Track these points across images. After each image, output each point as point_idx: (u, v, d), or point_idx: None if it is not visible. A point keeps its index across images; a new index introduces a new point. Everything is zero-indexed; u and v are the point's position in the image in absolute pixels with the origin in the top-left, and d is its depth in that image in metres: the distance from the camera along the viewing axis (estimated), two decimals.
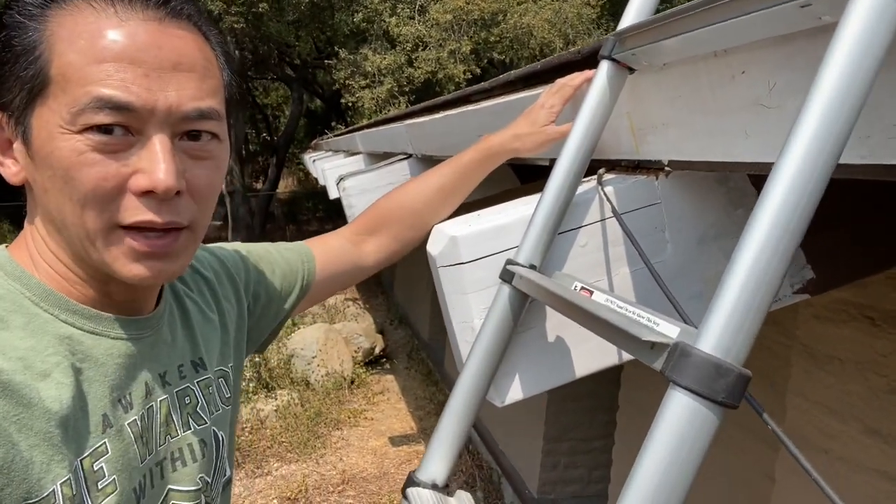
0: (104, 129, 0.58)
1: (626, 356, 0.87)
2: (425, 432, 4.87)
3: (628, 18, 0.80)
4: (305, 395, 5.27)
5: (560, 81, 1.00)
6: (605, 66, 0.81)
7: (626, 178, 0.88)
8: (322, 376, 5.53)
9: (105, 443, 0.63)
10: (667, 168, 0.85)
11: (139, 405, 0.69)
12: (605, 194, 0.85)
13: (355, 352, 5.97)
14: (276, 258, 1.01)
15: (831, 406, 1.50)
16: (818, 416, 1.52)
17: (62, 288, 0.65)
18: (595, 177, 0.90)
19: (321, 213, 15.87)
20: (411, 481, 0.81)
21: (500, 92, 1.53)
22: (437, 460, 0.82)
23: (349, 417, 5.07)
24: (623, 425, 2.89)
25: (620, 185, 0.86)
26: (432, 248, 0.89)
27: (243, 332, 0.93)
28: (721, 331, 0.46)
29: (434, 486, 0.80)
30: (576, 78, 0.97)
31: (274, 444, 4.62)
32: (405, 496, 0.79)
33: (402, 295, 7.72)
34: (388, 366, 6.21)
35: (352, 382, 5.62)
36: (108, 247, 0.61)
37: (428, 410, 5.24)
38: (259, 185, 16.42)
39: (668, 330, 0.53)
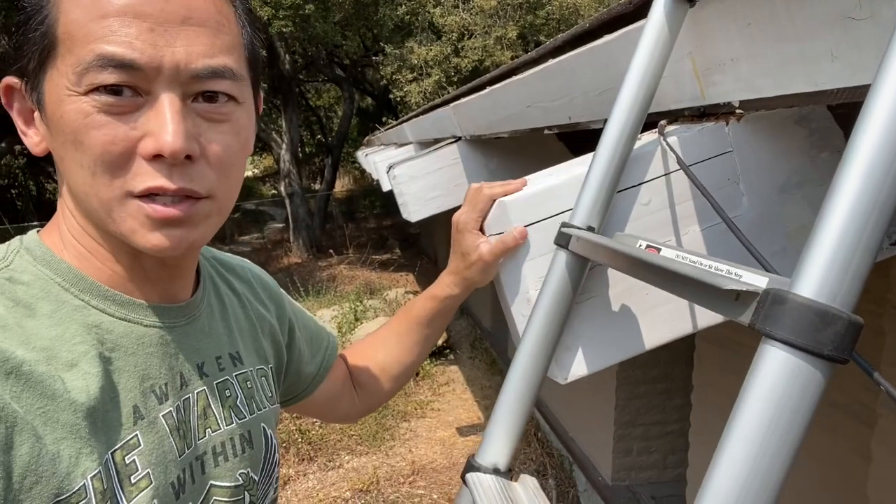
0: (111, 89, 0.54)
1: (703, 322, 0.79)
2: None
3: None
4: None
5: (473, 187, 0.84)
6: (660, 0, 0.72)
7: (691, 126, 0.79)
8: None
9: (137, 435, 0.60)
10: (738, 111, 0.76)
11: (174, 396, 0.66)
12: (668, 145, 0.76)
13: None
14: (307, 319, 1.00)
15: None
16: None
17: (92, 268, 0.63)
18: (655, 130, 0.82)
19: (378, 209, 16.02)
20: (471, 466, 0.75)
21: (549, 59, 1.44)
22: (498, 444, 0.76)
23: (416, 409, 5.08)
24: (699, 407, 2.75)
25: (685, 135, 0.78)
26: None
27: (281, 350, 0.89)
28: (824, 272, 0.38)
29: (496, 471, 0.75)
30: (495, 187, 0.81)
31: (344, 437, 4.67)
32: (465, 482, 0.74)
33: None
34: (451, 357, 6.19)
35: (417, 374, 5.62)
36: (124, 217, 0.58)
37: (493, 400, 5.14)
38: (317, 186, 16.71)
39: (755, 280, 0.45)
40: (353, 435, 4.69)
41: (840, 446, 1.76)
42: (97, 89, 0.54)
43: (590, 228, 0.73)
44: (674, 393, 3.48)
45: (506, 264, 0.80)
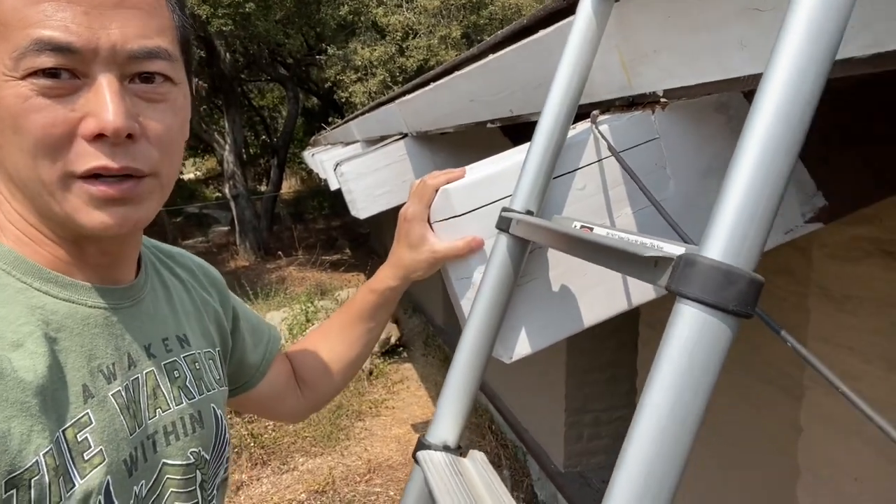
0: (49, 72, 0.55)
1: (636, 300, 0.84)
2: None
3: None
4: None
5: (417, 182, 0.86)
6: None
7: (620, 115, 0.84)
8: None
9: (88, 413, 0.61)
10: (662, 99, 0.81)
11: (122, 376, 0.66)
12: (599, 133, 0.81)
13: None
14: (248, 311, 1.00)
15: (854, 346, 1.46)
16: (842, 357, 1.48)
17: (33, 252, 0.63)
18: (588, 120, 0.86)
19: (326, 210, 15.86)
20: (422, 445, 0.78)
21: (490, 55, 1.48)
22: (447, 422, 0.79)
23: (370, 408, 5.07)
24: None
25: (615, 123, 0.83)
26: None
27: (226, 335, 0.90)
28: (727, 235, 0.42)
29: (446, 448, 0.78)
30: (438, 176, 0.84)
31: (298, 439, 4.63)
32: (416, 460, 0.77)
33: (414, 284, 7.70)
34: (405, 354, 6.20)
35: (370, 373, 5.62)
36: (67, 197, 0.58)
37: None
38: (263, 188, 16.42)
39: (673, 249, 0.49)
40: (307, 437, 4.65)
41: (772, 420, 1.86)
42: (35, 73, 0.55)
43: (529, 212, 0.77)
44: (621, 379, 3.59)
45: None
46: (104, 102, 0.56)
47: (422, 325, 6.92)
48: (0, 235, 0.63)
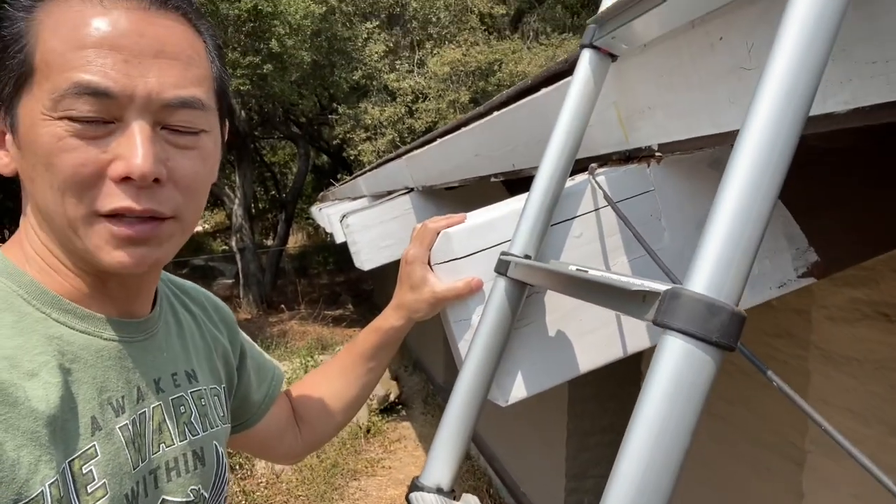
0: (85, 115, 0.58)
1: (631, 347, 0.85)
2: None
3: (607, 1, 0.81)
4: None
5: (419, 225, 0.89)
6: (586, 54, 0.81)
7: (617, 168, 0.87)
8: None
9: (94, 445, 0.62)
10: (657, 154, 0.84)
11: (131, 409, 0.67)
12: (596, 183, 0.84)
13: (370, 400, 5.89)
14: (255, 349, 1.02)
15: (854, 409, 1.44)
16: (842, 420, 1.47)
17: (54, 282, 0.65)
18: (586, 172, 0.90)
19: (331, 265, 15.93)
20: (415, 487, 0.78)
21: (494, 112, 1.54)
22: (441, 465, 0.79)
23: (366, 467, 4.96)
24: None
25: (612, 175, 0.86)
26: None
27: (232, 372, 0.91)
28: (710, 271, 0.44)
29: (439, 490, 0.77)
30: (439, 221, 0.86)
31: (290, 497, 4.51)
32: (409, 502, 0.76)
33: (415, 340, 7.66)
34: (403, 413, 6.11)
35: (368, 431, 5.52)
36: (90, 235, 0.61)
37: None
38: (269, 242, 16.57)
39: (660, 286, 0.51)
40: (300, 496, 4.54)
41: (773, 485, 1.83)
42: (71, 116, 0.58)
43: (527, 257, 0.79)
44: None
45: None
46: (134, 147, 0.59)
47: (422, 382, 6.84)
48: (25, 264, 0.65)
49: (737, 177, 0.45)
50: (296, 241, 19.33)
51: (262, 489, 4.58)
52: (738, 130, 0.67)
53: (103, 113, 0.59)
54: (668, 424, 0.42)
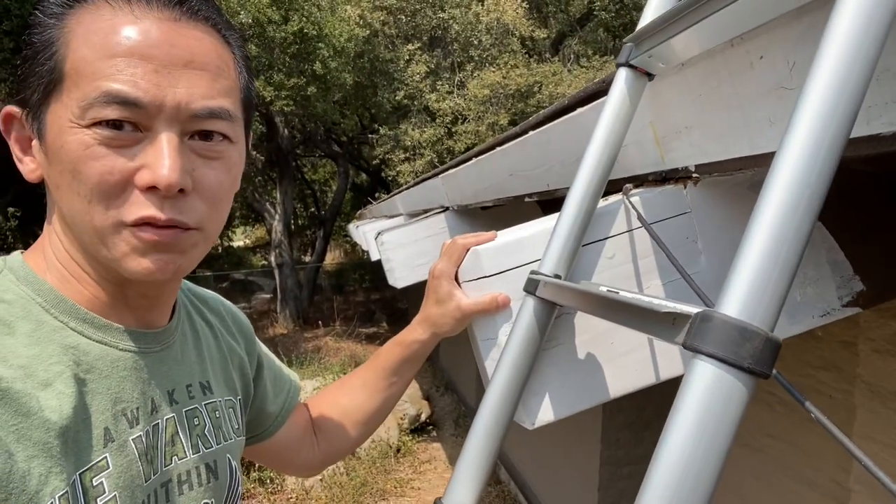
0: (112, 124, 0.58)
1: (664, 374, 0.82)
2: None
3: (644, 21, 0.80)
4: (351, 463, 5.16)
5: (449, 242, 0.89)
6: (622, 73, 0.80)
7: (653, 188, 0.86)
8: (368, 444, 5.42)
9: (106, 457, 0.61)
10: (694, 175, 0.82)
11: (145, 421, 0.67)
12: (630, 204, 0.82)
13: (401, 419, 5.86)
14: (272, 360, 1.01)
15: None
16: (888, 458, 1.39)
17: (74, 291, 0.65)
18: (621, 192, 0.88)
19: (367, 283, 16.04)
20: None
21: (530, 132, 1.53)
22: (465, 485, 0.77)
23: (395, 487, 4.93)
24: None
25: (647, 196, 0.84)
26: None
27: (248, 384, 0.91)
28: (744, 294, 0.42)
29: None
30: (469, 238, 0.87)
31: None
32: None
33: (447, 361, 7.63)
34: (434, 433, 6.06)
35: (398, 451, 5.49)
36: (116, 244, 0.61)
37: None
38: (307, 258, 16.79)
39: (692, 308, 0.49)
40: None
41: None
42: (99, 123, 0.58)
43: (557, 276, 0.77)
44: None
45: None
46: (162, 157, 0.59)
47: (454, 403, 6.79)
48: (46, 272, 0.65)
49: (773, 197, 0.43)
50: (333, 258, 19.55)
51: None
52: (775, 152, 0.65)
53: (132, 122, 0.59)
54: (696, 452, 0.40)
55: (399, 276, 2.36)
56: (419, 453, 5.58)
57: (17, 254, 0.67)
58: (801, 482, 1.81)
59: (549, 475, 3.99)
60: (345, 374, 6.17)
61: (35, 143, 0.64)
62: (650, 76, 0.81)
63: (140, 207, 0.60)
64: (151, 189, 0.60)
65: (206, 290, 0.92)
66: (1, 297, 0.61)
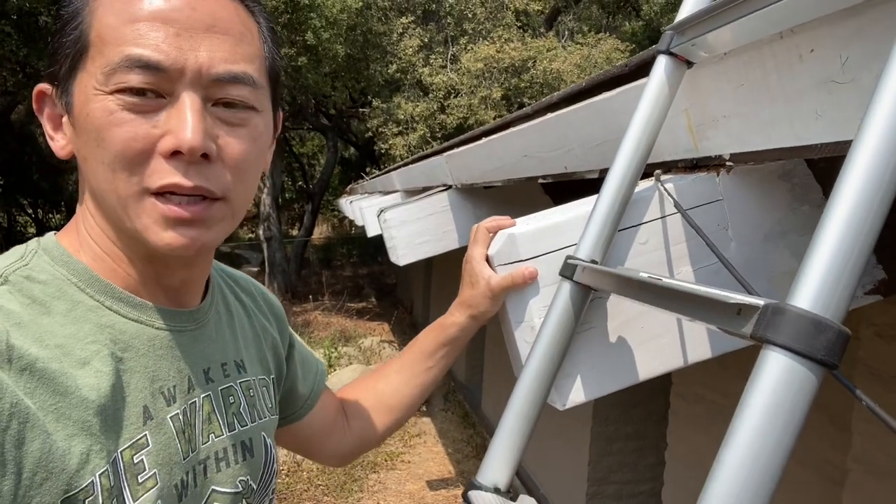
0: (136, 89, 0.58)
1: (693, 357, 0.84)
2: (463, 475, 4.76)
3: (686, 9, 0.80)
4: None
5: (474, 228, 0.91)
6: (662, 61, 0.81)
7: (685, 175, 0.87)
8: None
9: (146, 435, 0.62)
10: (728, 163, 0.83)
11: (182, 399, 0.67)
12: (666, 191, 0.83)
13: None
14: (301, 343, 1.01)
15: None
16: (889, 442, 1.44)
17: (108, 270, 0.65)
18: (653, 178, 0.89)
19: (355, 258, 16.03)
20: (472, 486, 0.78)
21: (546, 113, 1.53)
22: (499, 464, 0.79)
23: (386, 460, 4.99)
24: (673, 465, 2.77)
25: (680, 183, 0.85)
26: (490, 248, 0.88)
27: (281, 363, 0.91)
28: (818, 287, 0.43)
29: (496, 490, 0.77)
30: (490, 222, 0.89)
31: (311, 486, 4.56)
32: (467, 500, 0.77)
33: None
34: (424, 408, 6.13)
35: None
36: (140, 214, 0.60)
37: (465, 453, 5.13)
38: (295, 232, 16.71)
39: (752, 300, 0.50)
40: (319, 485, 4.58)
41: None
42: (122, 89, 0.57)
43: (593, 262, 0.78)
44: (646, 451, 3.49)
45: (512, 293, 0.85)
46: (184, 120, 0.58)
47: (443, 379, 6.86)
48: (79, 251, 0.65)
49: (849, 191, 0.44)
50: (321, 232, 19.49)
51: (284, 477, 4.63)
52: (822, 144, 0.66)
53: (154, 86, 0.58)
54: (767, 440, 0.42)
55: (402, 254, 2.36)
56: (409, 427, 5.64)
57: (50, 235, 0.67)
58: (797, 462, 1.87)
59: (539, 450, 4.06)
60: (335, 349, 6.19)
61: (65, 119, 0.63)
62: (689, 64, 0.81)
63: (165, 175, 0.59)
64: (175, 155, 0.59)
65: (236, 270, 0.92)
66: (36, 278, 0.61)
